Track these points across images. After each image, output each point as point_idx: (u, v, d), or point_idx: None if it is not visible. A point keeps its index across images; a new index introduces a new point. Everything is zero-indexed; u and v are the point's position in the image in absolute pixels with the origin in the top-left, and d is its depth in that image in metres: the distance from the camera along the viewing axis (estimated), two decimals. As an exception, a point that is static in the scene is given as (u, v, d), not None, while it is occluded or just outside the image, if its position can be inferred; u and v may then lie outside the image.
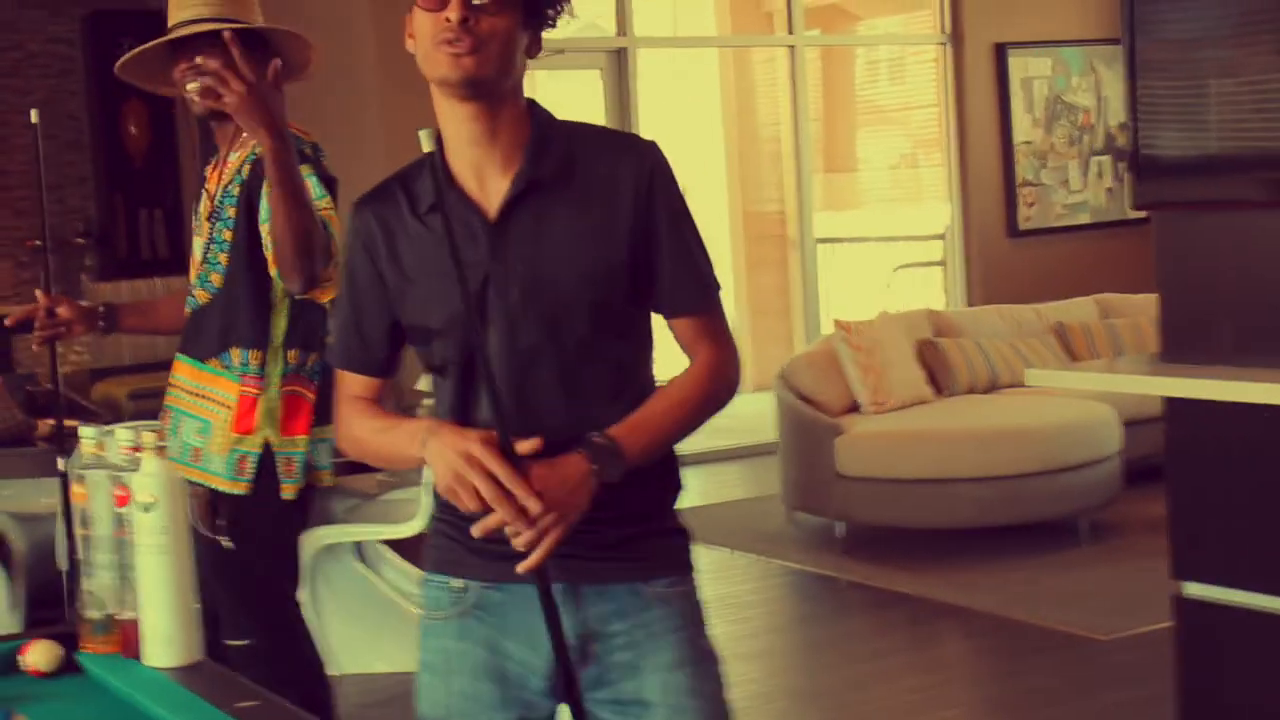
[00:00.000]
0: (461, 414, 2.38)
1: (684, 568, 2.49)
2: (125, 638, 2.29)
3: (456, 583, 2.44)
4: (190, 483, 3.20)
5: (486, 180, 2.35)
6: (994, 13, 10.58)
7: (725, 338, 2.45)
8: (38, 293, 3.76)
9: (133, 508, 2.21)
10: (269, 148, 3.25)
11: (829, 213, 11.12)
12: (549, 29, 2.38)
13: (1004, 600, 6.37)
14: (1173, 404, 3.88)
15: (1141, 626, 5.79)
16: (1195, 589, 3.89)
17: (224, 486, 3.62)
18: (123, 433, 2.27)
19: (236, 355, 3.60)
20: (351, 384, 2.52)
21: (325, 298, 3.45)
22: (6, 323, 3.76)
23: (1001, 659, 5.91)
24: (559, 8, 2.37)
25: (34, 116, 3.72)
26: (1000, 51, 10.58)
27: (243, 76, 3.21)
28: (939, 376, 8.00)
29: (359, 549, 6.00)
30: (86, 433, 2.32)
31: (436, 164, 2.32)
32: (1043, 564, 6.89)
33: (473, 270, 2.30)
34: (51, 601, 5.25)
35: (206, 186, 3.74)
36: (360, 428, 2.49)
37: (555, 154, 2.34)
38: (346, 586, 5.63)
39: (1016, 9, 10.63)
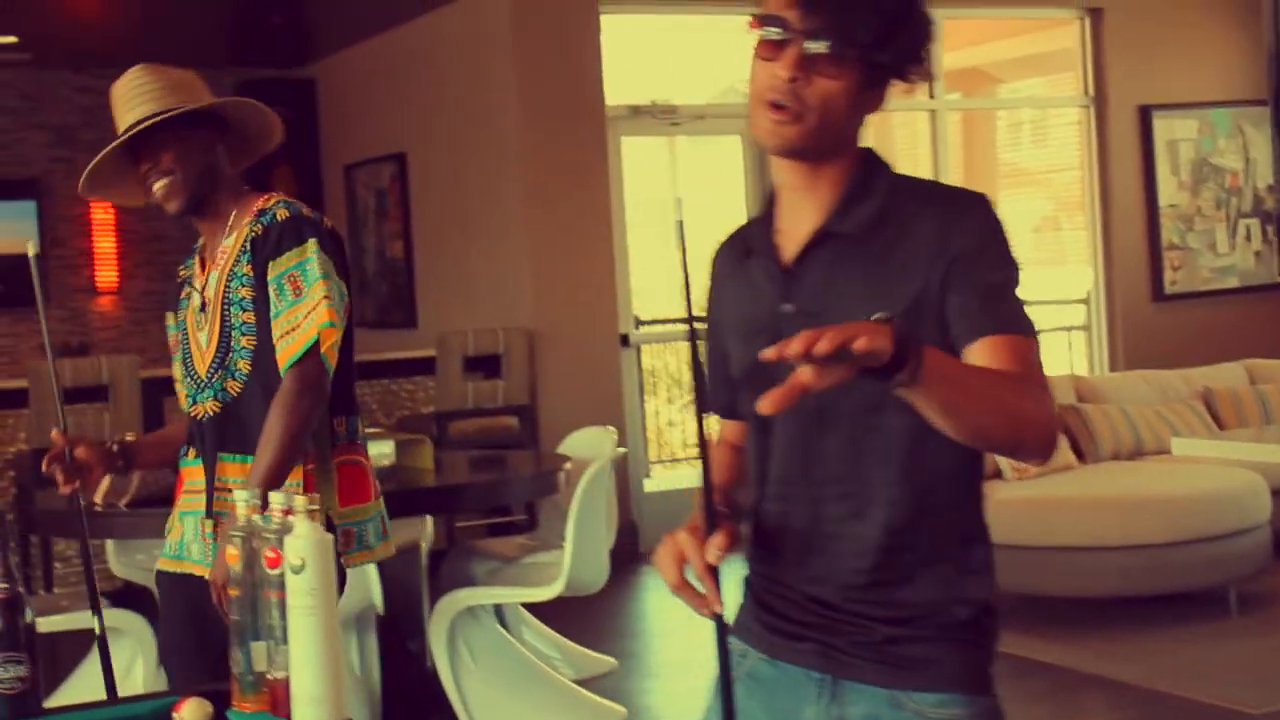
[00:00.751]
0: (758, 466, 2.30)
1: (964, 685, 2.21)
2: (275, 697, 2.29)
3: (739, 645, 2.33)
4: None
5: (798, 226, 2.24)
6: (1138, 75, 10.49)
7: (1039, 377, 2.10)
8: (55, 434, 3.54)
9: (284, 569, 2.23)
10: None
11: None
12: (909, 82, 2.19)
13: (1150, 671, 6.25)
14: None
15: (1293, 700, 5.66)
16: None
17: None
18: (275, 496, 2.29)
19: None
20: (721, 427, 2.46)
21: (333, 364, 3.45)
22: (44, 470, 3.52)
23: (1148, 731, 5.80)
24: (916, 67, 2.18)
25: (30, 249, 3.56)
26: (1145, 113, 10.48)
27: None
28: (1082, 443, 7.90)
29: (499, 611, 6.06)
30: (240, 495, 2.34)
31: (764, 207, 2.27)
32: (1190, 635, 6.75)
33: (767, 320, 2.23)
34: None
35: (194, 284, 3.61)
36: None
37: (868, 207, 2.19)
38: (486, 649, 5.69)
39: (1161, 71, 10.53)
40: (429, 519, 6.14)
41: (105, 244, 11.17)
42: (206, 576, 3.43)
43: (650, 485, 9.60)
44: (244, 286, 3.47)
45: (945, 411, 1.96)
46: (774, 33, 2.13)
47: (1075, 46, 10.71)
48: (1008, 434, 2.02)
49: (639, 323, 9.64)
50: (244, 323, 3.48)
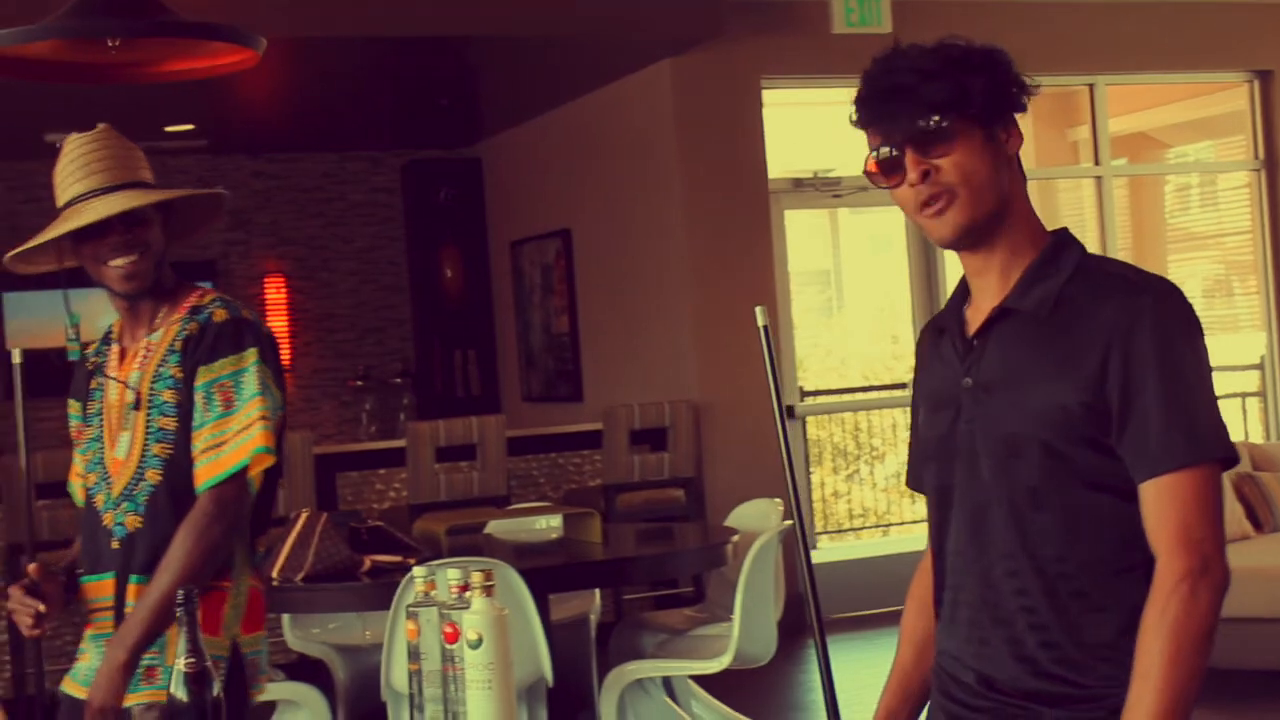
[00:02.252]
0: (937, 541, 2.33)
1: None
2: (454, 770, 2.33)
3: None
4: (140, 707, 2.90)
5: (984, 304, 2.28)
6: (1310, 136, 10.29)
7: (1197, 531, 2.10)
8: (31, 567, 3.19)
9: (461, 644, 2.27)
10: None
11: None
12: (1020, 111, 2.25)
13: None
14: None
15: None
16: None
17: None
18: (452, 572, 2.33)
19: None
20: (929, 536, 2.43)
21: (257, 469, 3.13)
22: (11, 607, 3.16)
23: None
24: (1016, 94, 2.24)
25: (16, 356, 3.39)
26: (1317, 175, 10.27)
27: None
28: (1259, 512, 7.73)
29: (668, 683, 6.01)
30: (418, 572, 2.40)
31: (960, 286, 2.33)
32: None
33: (951, 394, 2.28)
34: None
35: (107, 373, 3.27)
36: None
37: (1049, 285, 2.21)
38: None
39: (1333, 132, 10.32)
40: (597, 592, 6.15)
41: (278, 323, 11.36)
42: (84, 696, 3.11)
43: (817, 557, 9.55)
44: (168, 389, 3.16)
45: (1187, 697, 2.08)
46: (880, 156, 2.22)
47: (1244, 109, 10.54)
48: (1201, 651, 2.10)
49: (804, 394, 9.62)
50: (161, 429, 3.15)
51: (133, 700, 3.03)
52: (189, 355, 3.15)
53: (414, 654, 2.38)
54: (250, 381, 3.13)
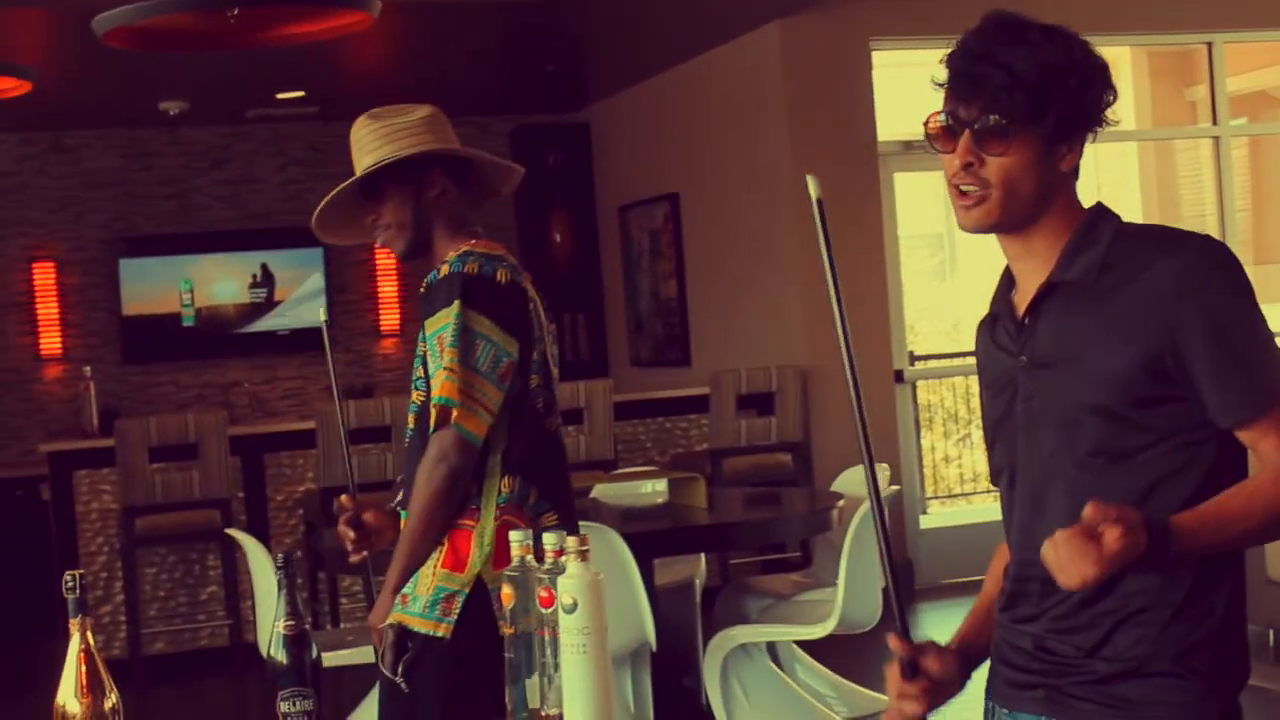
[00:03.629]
0: (1007, 518, 2.34)
1: None
2: (548, 734, 2.34)
3: (987, 704, 2.39)
4: (386, 625, 3.35)
5: (1030, 285, 2.29)
6: None
7: None
8: (344, 499, 3.53)
9: (556, 609, 2.27)
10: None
11: (1261, 306, 10.58)
12: (1097, 129, 2.25)
13: None
14: None
15: None
16: None
17: (424, 628, 3.35)
18: (548, 536, 2.33)
19: None
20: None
21: (480, 429, 3.33)
22: (339, 534, 3.53)
23: None
24: (1094, 118, 2.24)
25: (322, 314, 3.75)
26: None
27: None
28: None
29: (772, 648, 6.01)
30: (515, 536, 2.40)
31: (1005, 275, 2.35)
32: None
33: (1009, 375, 2.29)
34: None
35: None
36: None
37: (1092, 254, 2.22)
38: (759, 686, 5.68)
39: None
40: (702, 556, 6.16)
41: (388, 288, 11.48)
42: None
43: (926, 522, 9.49)
44: (420, 341, 3.44)
45: (1219, 551, 2.13)
46: (940, 123, 2.23)
47: (1368, 65, 10.30)
48: None
49: (914, 358, 9.56)
50: (418, 377, 3.44)
51: (389, 620, 3.37)
52: (421, 310, 3.42)
53: (511, 618, 2.38)
54: (452, 333, 3.32)
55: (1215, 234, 10.04)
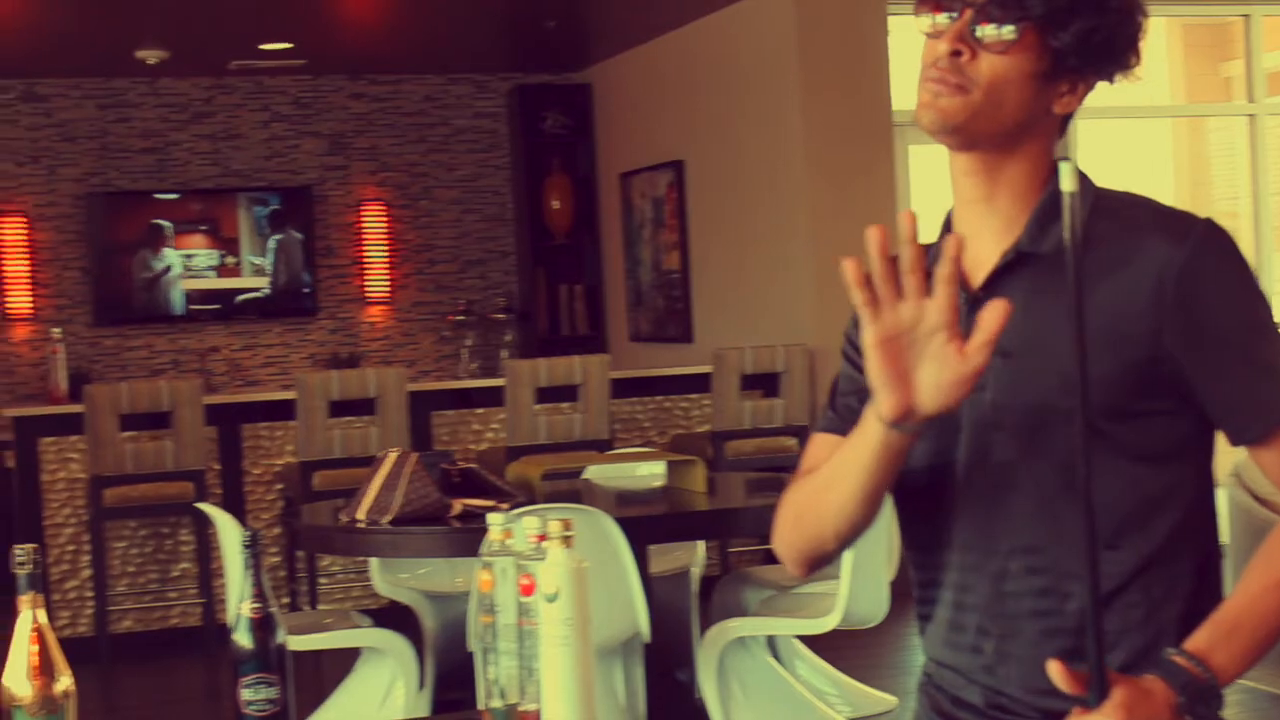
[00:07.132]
0: (929, 528, 1.98)
1: None
2: (526, 730, 2.26)
3: None
4: None
5: (981, 247, 1.97)
6: None
7: None
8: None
9: (537, 597, 2.19)
10: None
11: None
12: (1110, 80, 1.98)
13: None
14: None
15: None
16: None
17: None
18: (529, 520, 2.23)
19: None
20: (810, 450, 2.10)
21: None
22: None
23: None
24: (1115, 62, 1.95)
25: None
26: None
27: None
28: None
29: (772, 642, 5.87)
30: (494, 519, 2.29)
31: (942, 229, 2.03)
32: None
33: None
34: (461, 682, 5.29)
35: None
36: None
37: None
38: (757, 682, 5.54)
39: None
40: (701, 544, 6.01)
41: (376, 254, 11.29)
42: None
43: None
44: None
45: (1261, 657, 1.85)
46: (939, 19, 1.93)
47: None
48: None
49: (925, 340, 9.35)
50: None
51: None
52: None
53: (488, 606, 2.30)
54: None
55: (1248, 217, 10.02)
